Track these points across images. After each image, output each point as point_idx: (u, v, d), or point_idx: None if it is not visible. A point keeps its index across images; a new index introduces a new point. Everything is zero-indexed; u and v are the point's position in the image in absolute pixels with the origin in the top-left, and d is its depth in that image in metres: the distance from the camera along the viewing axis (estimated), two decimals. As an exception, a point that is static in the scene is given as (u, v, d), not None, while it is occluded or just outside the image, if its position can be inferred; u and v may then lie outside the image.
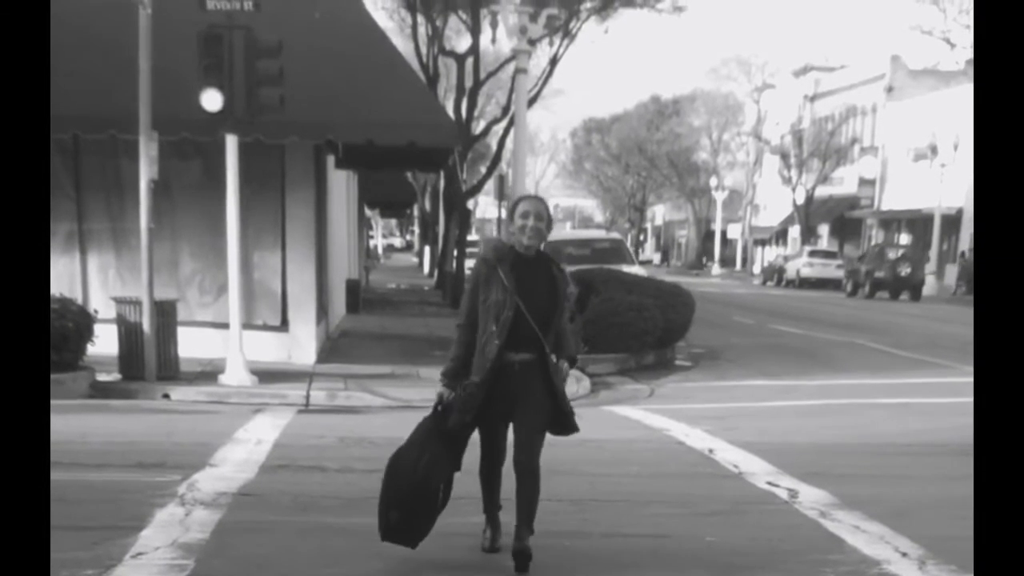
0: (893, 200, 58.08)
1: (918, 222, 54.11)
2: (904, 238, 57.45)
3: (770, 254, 73.22)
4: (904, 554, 7.05)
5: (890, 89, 59.82)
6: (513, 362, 6.31)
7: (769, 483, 9.21)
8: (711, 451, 10.73)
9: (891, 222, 59.57)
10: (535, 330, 6.28)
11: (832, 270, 52.10)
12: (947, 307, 37.69)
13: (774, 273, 59.42)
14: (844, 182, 62.82)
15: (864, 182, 61.27)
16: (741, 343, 23.53)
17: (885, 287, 43.78)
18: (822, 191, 63.24)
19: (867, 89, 62.37)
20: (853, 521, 7.89)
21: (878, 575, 6.66)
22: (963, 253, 46.29)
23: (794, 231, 67.79)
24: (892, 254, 45.43)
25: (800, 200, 63.64)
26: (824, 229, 66.08)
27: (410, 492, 6.27)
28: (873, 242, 56.93)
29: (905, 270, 43.38)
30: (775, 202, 72.53)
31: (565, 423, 6.51)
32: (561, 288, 6.48)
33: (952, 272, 47.15)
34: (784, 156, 64.82)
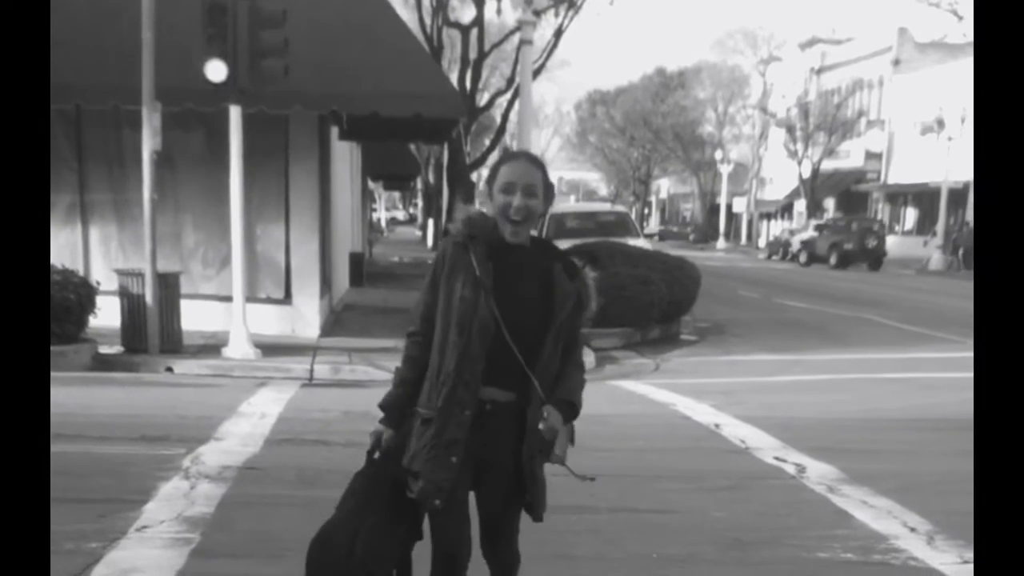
0: (900, 174, 57.97)
1: (925, 196, 54.00)
2: (911, 212, 57.43)
3: (776, 228, 73.15)
4: (912, 529, 7.02)
5: (897, 62, 59.63)
6: (483, 402, 4.15)
7: (776, 458, 9.17)
8: (717, 426, 10.68)
9: (897, 196, 59.46)
10: (516, 355, 4.08)
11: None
12: (953, 281, 37.62)
13: (780, 247, 59.38)
14: (851, 155, 62.72)
15: (871, 155, 61.20)
16: (747, 317, 23.47)
17: (853, 258, 46.94)
18: (828, 164, 63.13)
19: (874, 62, 62.18)
20: (861, 496, 7.85)
21: (886, 550, 6.62)
22: (964, 224, 46.60)
23: (800, 205, 67.70)
24: (857, 226, 48.73)
25: (806, 174, 63.51)
26: (830, 203, 66.00)
27: None
28: (880, 216, 56.99)
29: (872, 242, 47.07)
30: (781, 176, 72.44)
31: (530, 499, 4.34)
32: (564, 296, 4.21)
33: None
34: (790, 129, 64.66)
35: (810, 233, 52.39)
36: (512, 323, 4.07)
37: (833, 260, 47.70)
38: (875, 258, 46.74)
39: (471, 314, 4.06)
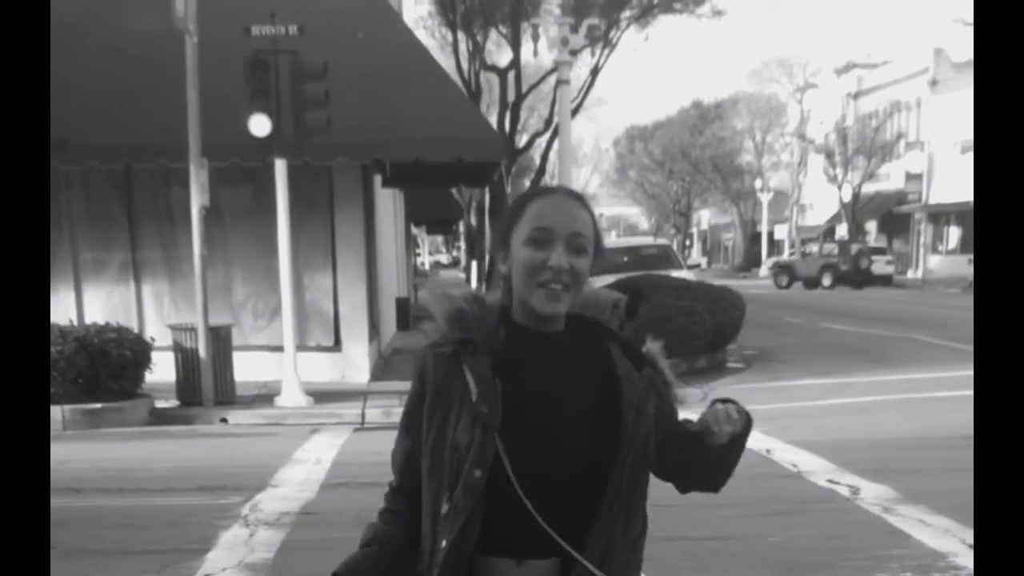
0: (941, 194, 57.55)
1: (967, 215, 53.55)
2: (954, 231, 57.05)
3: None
4: (971, 546, 7.00)
5: (934, 83, 59.30)
6: None
7: (830, 481, 9.18)
8: (769, 451, 10.70)
9: (940, 216, 59.00)
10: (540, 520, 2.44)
11: (882, 266, 52.33)
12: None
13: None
14: (891, 178, 62.31)
15: (911, 177, 60.77)
16: (793, 343, 23.37)
17: (848, 279, 49.55)
18: (869, 188, 62.75)
19: (911, 84, 61.86)
20: (917, 515, 7.85)
21: (946, 568, 6.64)
22: None
23: (841, 229, 67.27)
24: (854, 249, 51.62)
25: (847, 198, 63.14)
26: (872, 226, 65.57)
27: None
28: (923, 236, 56.67)
29: (864, 263, 50.13)
30: (821, 201, 72.07)
31: None
32: (637, 401, 2.56)
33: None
34: (829, 155, 64.34)
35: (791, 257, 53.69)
36: (538, 473, 2.44)
37: (827, 281, 50.24)
38: (865, 278, 49.34)
39: (469, 464, 2.45)
